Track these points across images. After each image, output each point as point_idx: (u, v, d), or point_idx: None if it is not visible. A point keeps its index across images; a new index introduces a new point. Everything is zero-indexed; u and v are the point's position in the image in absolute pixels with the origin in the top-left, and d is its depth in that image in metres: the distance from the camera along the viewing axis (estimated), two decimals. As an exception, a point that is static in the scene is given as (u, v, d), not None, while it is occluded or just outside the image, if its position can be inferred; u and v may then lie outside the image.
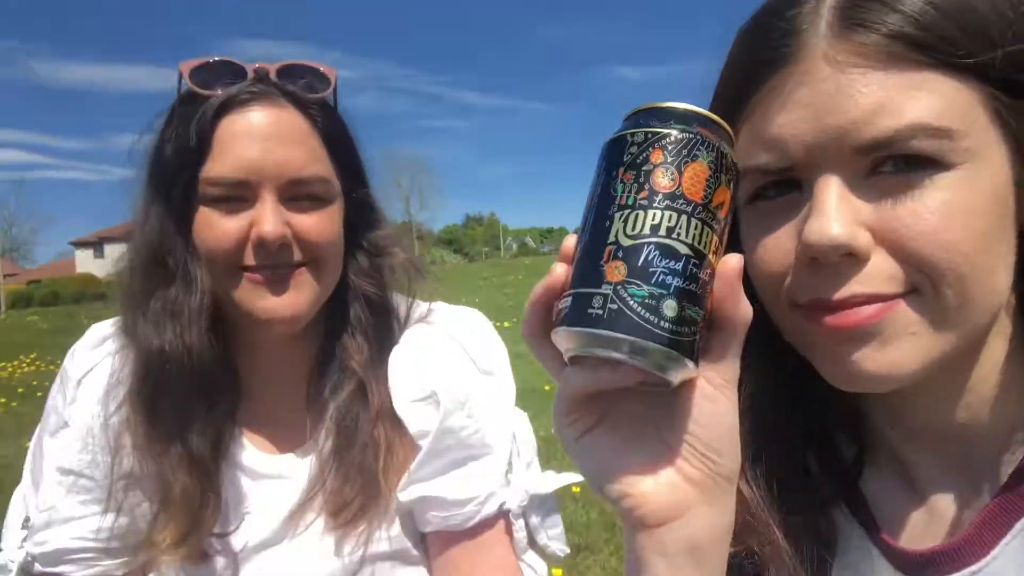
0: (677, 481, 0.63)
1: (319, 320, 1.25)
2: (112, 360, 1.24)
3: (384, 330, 1.30)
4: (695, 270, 0.58)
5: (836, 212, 0.66)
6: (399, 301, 1.34)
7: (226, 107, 1.21)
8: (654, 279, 0.57)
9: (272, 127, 1.21)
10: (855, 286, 0.67)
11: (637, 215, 0.59)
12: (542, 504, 1.33)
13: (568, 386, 0.63)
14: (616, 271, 0.58)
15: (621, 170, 0.61)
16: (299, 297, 1.21)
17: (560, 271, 0.61)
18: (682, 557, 0.64)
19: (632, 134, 0.61)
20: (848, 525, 0.84)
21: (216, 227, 1.20)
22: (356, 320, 1.29)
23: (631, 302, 0.57)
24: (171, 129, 1.24)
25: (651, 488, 0.63)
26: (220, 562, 1.25)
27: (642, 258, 0.58)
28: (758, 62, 0.71)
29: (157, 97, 1.30)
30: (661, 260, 0.58)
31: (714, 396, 0.62)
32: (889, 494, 0.83)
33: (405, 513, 1.22)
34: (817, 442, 0.86)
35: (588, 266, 0.60)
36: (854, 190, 0.67)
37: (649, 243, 0.58)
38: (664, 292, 0.57)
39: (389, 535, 1.22)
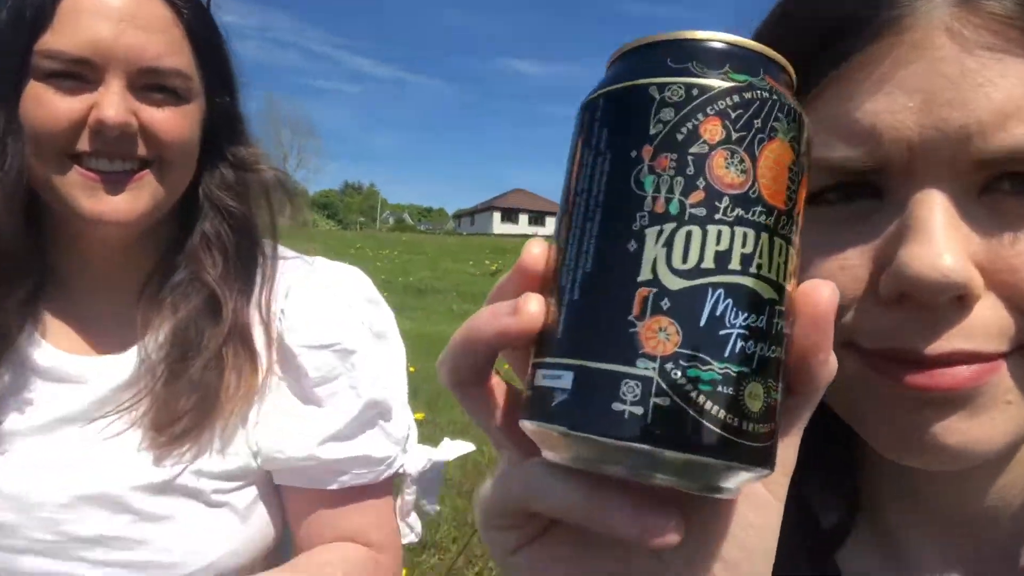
0: None
1: (166, 227, 1.20)
2: None
3: (247, 249, 1.24)
4: (781, 321, 0.37)
5: (947, 239, 0.51)
6: (265, 227, 1.29)
7: None
8: (729, 349, 0.35)
9: (128, 7, 1.15)
10: (957, 340, 0.52)
11: (690, 234, 0.36)
12: (432, 469, 1.36)
13: (535, 496, 0.40)
14: (662, 336, 0.35)
15: (649, 151, 0.37)
16: (136, 201, 1.15)
17: (535, 311, 0.39)
18: None
19: (661, 87, 0.37)
20: None
21: (47, 105, 1.13)
22: (213, 234, 1.23)
23: (695, 395, 0.34)
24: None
25: None
26: None
27: (707, 314, 0.35)
28: (845, 22, 0.55)
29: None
30: (738, 313, 0.35)
31: (763, 501, 0.43)
32: (869, 570, 0.71)
33: (267, 459, 1.15)
34: (793, 505, 0.57)
35: (602, 322, 0.36)
36: (963, 211, 0.52)
37: (718, 287, 0.35)
38: (746, 371, 0.35)
39: (211, 468, 1.13)
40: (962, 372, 0.52)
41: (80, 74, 1.16)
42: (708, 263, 0.36)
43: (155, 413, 1.15)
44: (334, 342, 1.17)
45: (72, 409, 1.18)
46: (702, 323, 0.35)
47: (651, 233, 0.36)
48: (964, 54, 0.51)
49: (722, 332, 0.35)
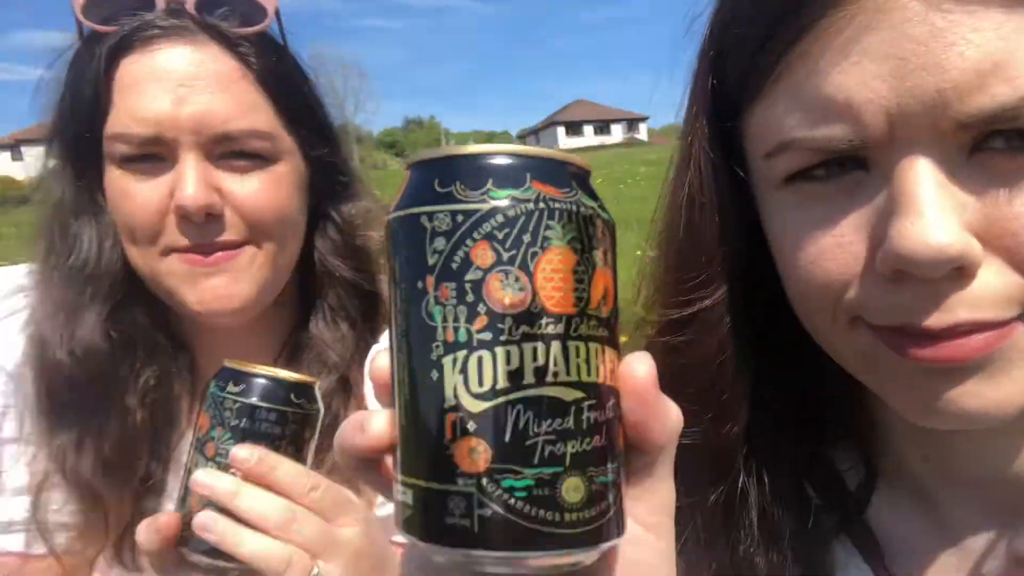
0: None
1: (289, 303, 1.13)
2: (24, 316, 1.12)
3: (374, 319, 1.16)
4: (593, 414, 0.39)
5: (938, 211, 0.49)
6: None
7: (125, 46, 1.05)
8: (537, 456, 0.38)
9: (186, 69, 1.04)
10: (960, 311, 0.52)
11: (481, 359, 0.38)
12: None
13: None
14: (474, 456, 0.38)
15: (431, 281, 0.39)
16: (239, 284, 1.06)
17: (377, 431, 0.42)
18: None
19: (430, 216, 0.39)
20: (850, 560, 0.73)
21: (131, 196, 1.05)
22: (338, 306, 1.14)
23: (513, 503, 0.37)
24: (71, 72, 1.10)
25: None
26: None
27: (510, 429, 0.37)
28: None
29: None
30: (540, 423, 0.38)
31: (643, 540, 0.45)
32: (903, 528, 0.73)
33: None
34: (818, 467, 0.74)
35: (426, 447, 0.39)
36: (953, 175, 0.51)
37: (513, 404, 0.37)
38: (559, 471, 0.38)
39: None
40: (970, 343, 0.51)
41: (153, 154, 1.05)
42: (502, 383, 0.37)
43: None
44: None
45: None
46: (507, 438, 0.37)
47: (447, 362, 0.38)
48: (932, 11, 0.48)
49: (528, 442, 0.37)
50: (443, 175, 0.39)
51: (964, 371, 0.54)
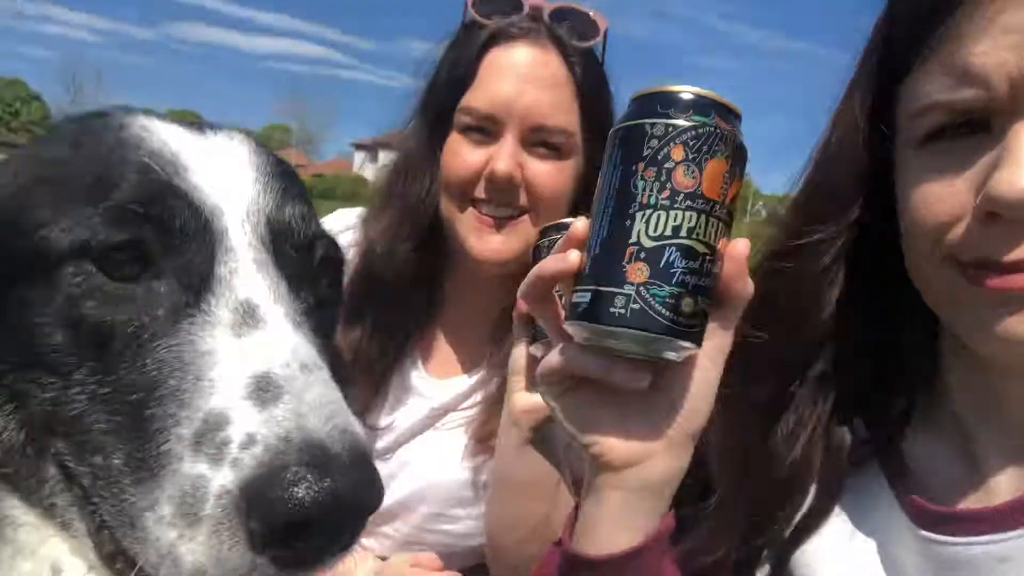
0: (646, 434, 0.79)
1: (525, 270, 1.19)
2: (348, 252, 1.37)
3: None
4: (710, 266, 0.68)
5: None
6: None
7: (495, 39, 1.40)
8: (675, 280, 0.66)
9: (531, 67, 1.37)
10: None
11: (659, 216, 0.66)
12: None
13: (571, 363, 0.77)
14: (639, 272, 0.66)
15: (641, 165, 0.67)
16: (510, 243, 1.40)
17: (575, 259, 0.73)
18: (636, 493, 0.80)
19: (651, 125, 0.67)
20: (874, 481, 0.88)
21: (460, 155, 1.41)
22: None
23: (653, 302, 0.66)
24: (450, 53, 1.47)
25: (619, 441, 0.79)
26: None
27: (664, 260, 0.66)
28: None
29: (452, 5, 1.38)
30: (681, 261, 0.66)
31: (704, 366, 0.77)
32: (933, 454, 0.86)
33: None
34: (871, 396, 0.89)
35: (609, 264, 0.68)
36: None
37: (671, 245, 0.66)
38: (683, 291, 0.67)
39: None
40: None
41: (486, 128, 1.41)
42: (667, 232, 0.66)
43: (478, 427, 1.48)
44: None
45: (423, 419, 1.53)
46: (660, 265, 0.66)
47: (639, 215, 0.67)
48: None
49: (671, 270, 0.66)
50: (663, 102, 0.68)
51: None
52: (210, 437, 0.60)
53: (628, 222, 0.67)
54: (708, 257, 0.68)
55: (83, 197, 0.69)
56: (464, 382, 1.54)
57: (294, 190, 0.79)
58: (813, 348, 0.90)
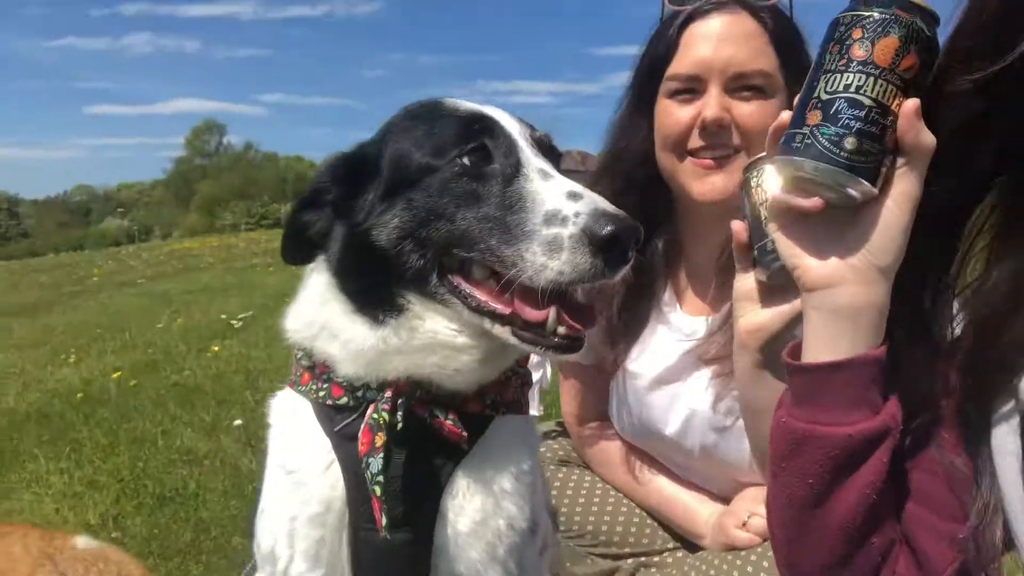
0: (836, 261, 1.00)
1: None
2: None
3: None
4: (876, 116, 0.90)
5: None
6: None
7: (691, 17, 1.65)
8: (840, 122, 0.91)
9: (724, 29, 1.61)
10: None
11: (835, 77, 0.91)
12: None
13: (774, 195, 1.06)
14: (814, 117, 0.92)
15: (831, 44, 0.93)
16: (730, 180, 1.62)
17: (785, 116, 1.01)
18: (830, 315, 1.02)
19: (843, 16, 0.92)
20: None
21: (672, 115, 1.67)
22: None
23: (820, 138, 0.91)
24: (651, 41, 1.75)
25: (815, 262, 1.03)
26: (627, 385, 1.92)
27: (833, 108, 0.91)
28: None
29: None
30: (848, 109, 0.90)
31: (889, 207, 0.97)
32: None
33: None
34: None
35: (799, 115, 0.95)
36: None
37: (840, 97, 0.91)
38: (846, 132, 0.90)
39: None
40: None
41: (691, 88, 1.64)
42: (840, 88, 0.92)
43: (723, 364, 1.67)
44: None
45: (680, 356, 1.82)
46: (831, 112, 0.93)
47: (822, 78, 0.95)
48: None
49: (838, 115, 0.92)
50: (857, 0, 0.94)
51: None
52: (553, 218, 1.22)
53: (815, 83, 0.95)
54: (875, 110, 0.91)
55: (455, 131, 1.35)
56: (713, 319, 1.78)
57: (538, 130, 1.44)
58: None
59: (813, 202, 0.99)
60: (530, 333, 1.26)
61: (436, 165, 1.32)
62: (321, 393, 1.42)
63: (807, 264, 1.03)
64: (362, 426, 1.35)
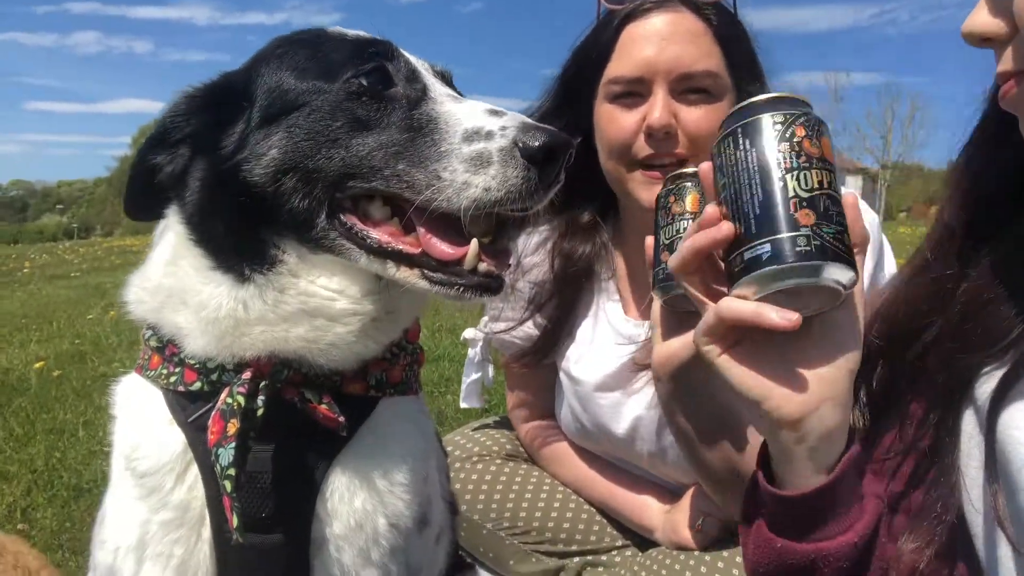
0: (809, 380, 0.88)
1: None
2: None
3: None
4: (843, 210, 0.89)
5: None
6: None
7: (630, 16, 1.55)
8: (835, 219, 0.87)
9: (667, 28, 1.51)
10: None
11: (806, 175, 0.87)
12: None
13: (726, 314, 0.88)
14: (807, 217, 0.86)
15: (777, 143, 0.89)
16: None
17: (728, 228, 0.88)
18: (820, 441, 0.90)
19: (772, 116, 0.90)
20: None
21: (615, 121, 1.57)
22: None
23: (828, 238, 0.86)
24: (586, 42, 1.67)
25: (789, 393, 0.88)
26: (572, 390, 1.86)
27: (822, 205, 0.87)
28: None
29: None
30: (833, 206, 0.88)
31: (852, 303, 0.93)
32: None
33: None
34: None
35: (777, 218, 0.86)
36: None
37: (822, 195, 0.87)
38: (841, 228, 0.88)
39: None
40: None
41: (635, 91, 1.53)
42: (816, 186, 0.88)
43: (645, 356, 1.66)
44: None
45: (621, 362, 1.76)
46: (822, 210, 0.87)
47: (789, 176, 0.88)
48: None
49: (830, 212, 0.88)
50: (774, 102, 0.94)
51: None
52: (476, 134, 1.09)
53: (780, 183, 0.88)
54: (840, 203, 0.90)
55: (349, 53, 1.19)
56: (641, 325, 1.76)
57: (438, 66, 1.30)
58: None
59: (793, 319, 0.85)
60: (443, 274, 1.11)
61: (326, 87, 1.14)
62: (172, 379, 1.20)
63: (779, 396, 0.89)
64: (213, 412, 1.14)
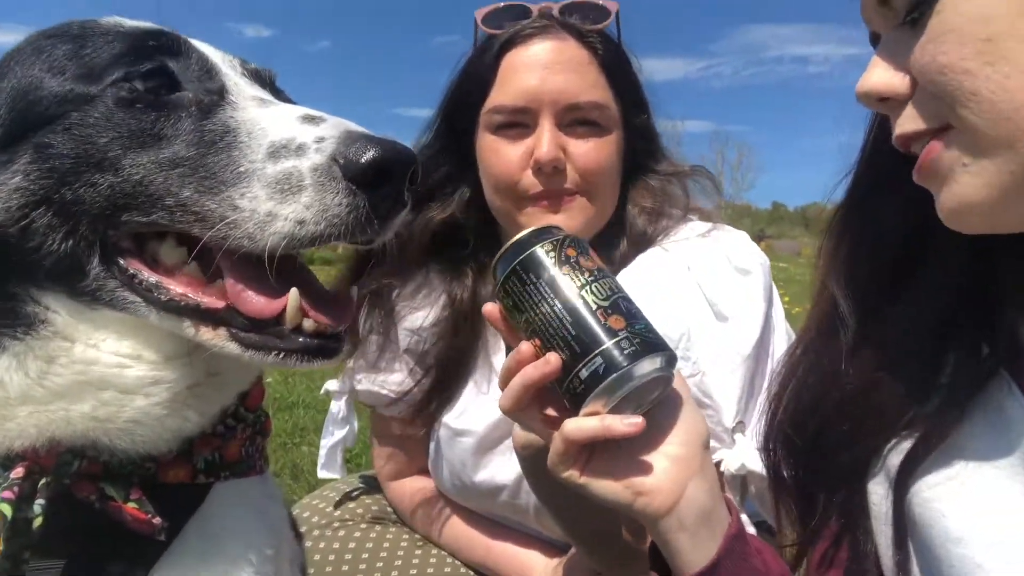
0: (668, 466, 0.90)
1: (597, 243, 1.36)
2: None
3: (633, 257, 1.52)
4: (635, 303, 0.95)
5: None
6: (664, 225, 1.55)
7: (510, 43, 1.45)
8: (638, 315, 0.93)
9: (550, 56, 1.42)
10: None
11: (595, 286, 0.91)
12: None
13: (572, 435, 0.89)
14: (619, 321, 0.90)
15: (559, 268, 0.93)
16: (571, 221, 1.43)
17: (555, 358, 0.90)
18: (699, 522, 0.89)
19: (540, 247, 0.94)
20: (1008, 397, 0.83)
21: (499, 154, 1.46)
22: (620, 257, 1.49)
23: (646, 333, 0.91)
24: (465, 69, 1.54)
25: (652, 487, 0.89)
26: (451, 443, 1.66)
27: (623, 307, 0.92)
28: None
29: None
30: (630, 304, 0.93)
31: (680, 384, 0.97)
32: None
33: None
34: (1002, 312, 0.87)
35: (594, 332, 0.89)
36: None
37: (618, 298, 0.92)
38: (646, 319, 0.93)
39: None
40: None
41: (520, 121, 1.44)
42: (609, 292, 0.93)
43: None
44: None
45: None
46: (625, 311, 0.93)
47: (584, 292, 0.92)
48: None
49: (632, 310, 0.94)
50: (534, 234, 0.98)
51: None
52: (284, 148, 0.85)
53: (580, 301, 0.91)
54: (631, 298, 0.94)
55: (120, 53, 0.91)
56: None
57: (254, 64, 1.07)
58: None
59: (638, 423, 0.89)
60: (258, 335, 0.86)
61: (88, 92, 0.88)
62: None
63: (646, 492, 0.90)
64: None
